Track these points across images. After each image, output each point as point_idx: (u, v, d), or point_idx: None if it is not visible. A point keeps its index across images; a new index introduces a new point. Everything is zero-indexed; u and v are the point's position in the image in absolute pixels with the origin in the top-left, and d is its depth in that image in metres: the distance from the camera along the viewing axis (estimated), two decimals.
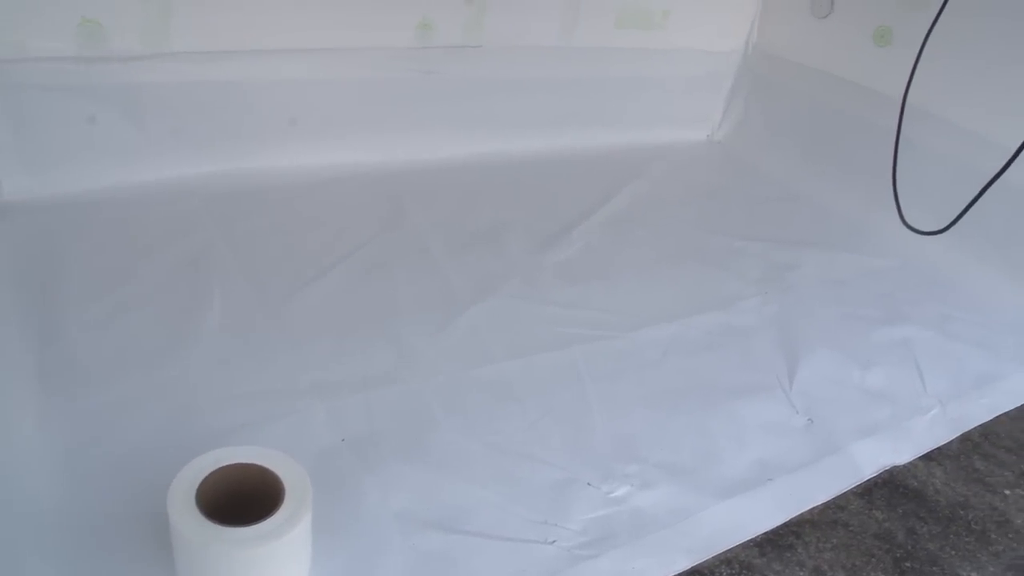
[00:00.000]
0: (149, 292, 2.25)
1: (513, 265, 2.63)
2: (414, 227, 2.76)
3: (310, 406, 1.93)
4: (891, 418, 2.24)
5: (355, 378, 2.04)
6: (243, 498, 1.48)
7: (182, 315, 2.17)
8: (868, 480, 2.04)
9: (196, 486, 1.45)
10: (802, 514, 1.89)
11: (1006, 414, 2.40)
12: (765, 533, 1.82)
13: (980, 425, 2.33)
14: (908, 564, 1.82)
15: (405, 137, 3.15)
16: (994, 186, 2.71)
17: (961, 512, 2.01)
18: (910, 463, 2.13)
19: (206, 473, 1.48)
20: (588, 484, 1.83)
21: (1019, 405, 2.46)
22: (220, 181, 2.82)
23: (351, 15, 2.88)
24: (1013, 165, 2.60)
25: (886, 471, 2.08)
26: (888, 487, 2.04)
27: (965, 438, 2.27)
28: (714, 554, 1.74)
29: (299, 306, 2.29)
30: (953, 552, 1.88)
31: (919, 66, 2.94)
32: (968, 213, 2.79)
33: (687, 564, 1.71)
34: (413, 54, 3.06)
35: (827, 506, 1.93)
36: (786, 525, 1.85)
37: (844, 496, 1.97)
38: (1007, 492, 2.10)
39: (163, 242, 2.47)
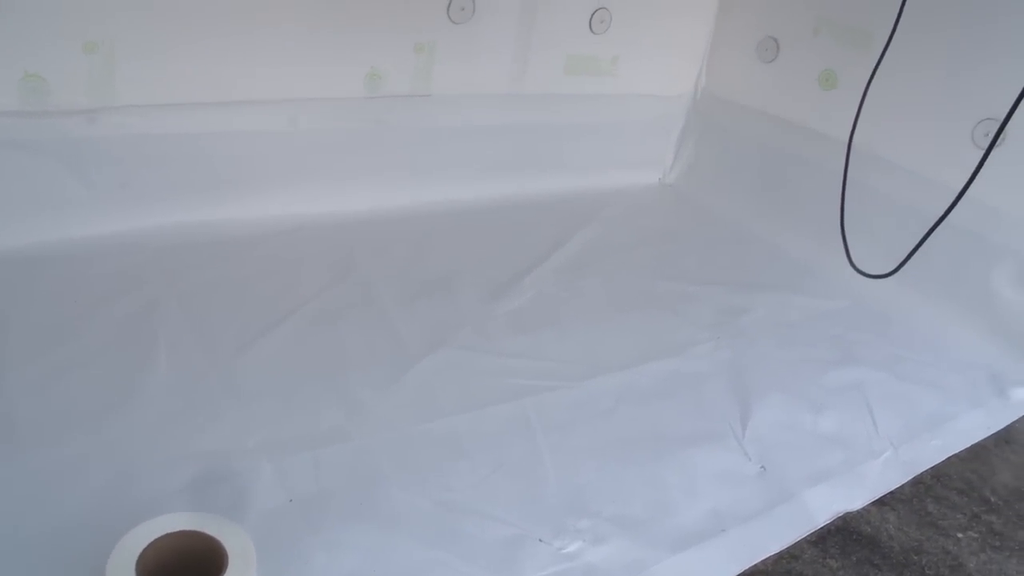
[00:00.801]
0: (92, 350, 2.20)
1: (464, 315, 2.61)
2: (364, 278, 2.74)
3: (257, 466, 1.89)
4: (844, 463, 2.24)
5: (303, 435, 2.01)
6: (186, 567, 1.45)
7: (126, 373, 2.13)
8: (822, 528, 2.03)
9: (136, 557, 1.42)
10: (756, 565, 1.88)
11: (957, 455, 2.42)
12: None
13: (932, 467, 2.34)
14: None
15: (355, 187, 3.13)
16: (940, 227, 2.75)
17: (915, 557, 2.01)
18: (863, 509, 2.13)
19: (146, 543, 1.45)
20: (540, 540, 1.81)
21: (969, 445, 2.48)
22: (169, 234, 2.78)
23: (299, 66, 2.87)
24: (957, 206, 2.64)
25: (839, 518, 2.07)
26: (842, 534, 2.03)
27: (917, 481, 2.28)
28: None
29: (247, 361, 2.25)
30: None
31: (863, 109, 2.98)
32: (916, 254, 2.82)
33: None
34: (362, 104, 3.06)
35: (781, 556, 1.92)
36: None
37: (798, 545, 1.96)
38: (959, 535, 2.11)
39: (109, 297, 2.42)
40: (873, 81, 2.91)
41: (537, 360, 2.44)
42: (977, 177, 2.52)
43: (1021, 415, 2.70)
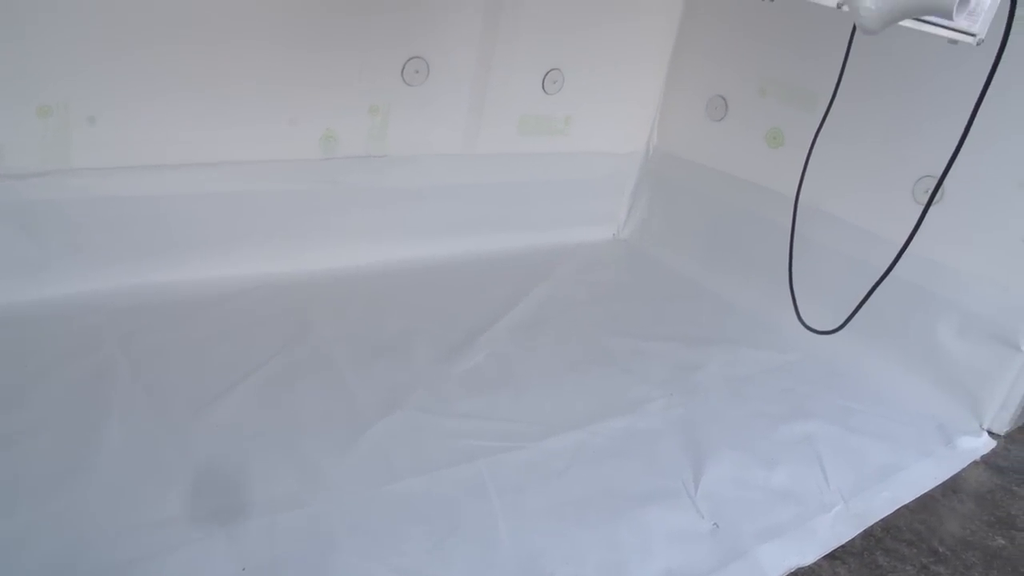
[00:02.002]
0: (43, 416, 2.17)
1: (419, 376, 2.63)
2: (320, 339, 2.74)
3: (211, 534, 1.88)
4: (796, 518, 2.28)
5: (258, 502, 2.00)
6: None
7: (78, 440, 2.11)
8: None
9: None
10: None
11: (906, 506, 2.47)
12: None
13: (882, 519, 2.38)
14: None
15: (311, 247, 3.15)
16: (886, 281, 2.81)
17: None
18: (815, 563, 2.15)
19: None
20: None
21: (919, 496, 2.53)
22: (124, 296, 2.76)
23: (254, 128, 2.89)
24: (902, 260, 2.70)
25: (791, 573, 2.10)
26: None
27: (867, 533, 2.32)
28: None
29: (202, 426, 2.25)
30: None
31: (810, 166, 3.05)
32: (863, 307, 2.88)
33: None
34: (318, 165, 3.08)
35: None
36: None
37: None
38: None
39: (62, 361, 2.40)
40: (818, 140, 2.98)
41: (492, 421, 2.46)
42: (919, 232, 2.59)
43: (968, 464, 2.77)
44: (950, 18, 1.42)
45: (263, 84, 2.87)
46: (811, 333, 2.98)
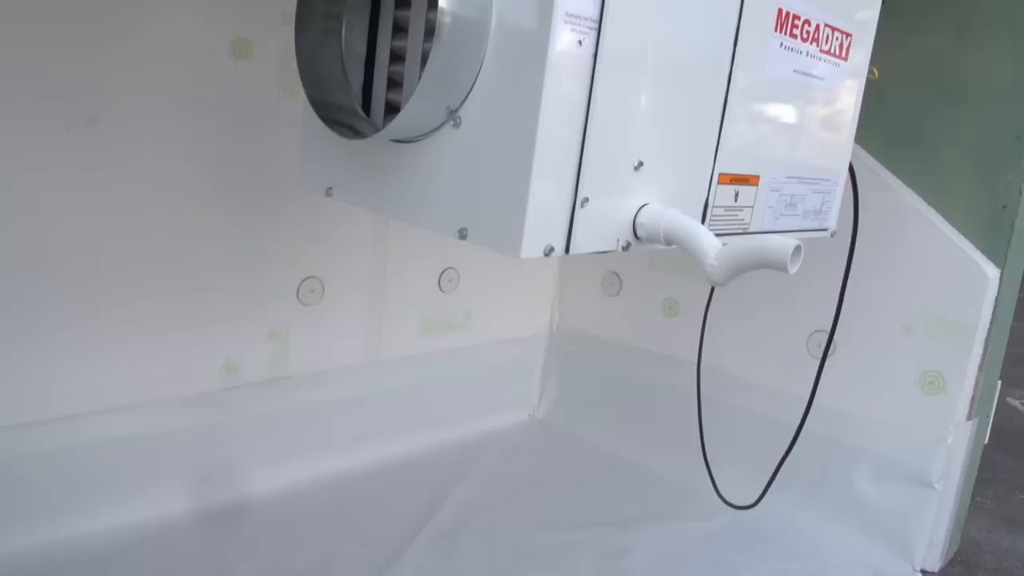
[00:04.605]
0: None
1: None
2: None
3: None
4: None
5: None
6: None
7: None
8: None
9: None
10: None
11: None
12: None
13: None
14: None
15: (220, 481, 3.05)
16: (801, 434, 2.86)
17: None
18: None
19: None
20: None
21: None
22: (31, 557, 2.61)
23: (151, 368, 2.85)
24: (810, 415, 2.76)
25: None
26: None
27: None
28: None
29: None
30: None
31: (708, 332, 3.13)
32: (785, 463, 2.91)
33: None
34: (220, 396, 3.04)
35: None
36: None
37: None
38: None
39: None
40: (711, 306, 3.08)
41: None
42: (820, 385, 2.66)
43: None
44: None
45: (156, 323, 2.84)
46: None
